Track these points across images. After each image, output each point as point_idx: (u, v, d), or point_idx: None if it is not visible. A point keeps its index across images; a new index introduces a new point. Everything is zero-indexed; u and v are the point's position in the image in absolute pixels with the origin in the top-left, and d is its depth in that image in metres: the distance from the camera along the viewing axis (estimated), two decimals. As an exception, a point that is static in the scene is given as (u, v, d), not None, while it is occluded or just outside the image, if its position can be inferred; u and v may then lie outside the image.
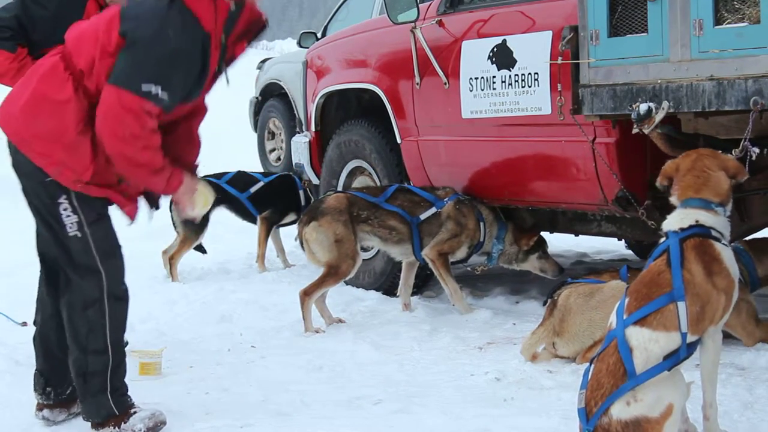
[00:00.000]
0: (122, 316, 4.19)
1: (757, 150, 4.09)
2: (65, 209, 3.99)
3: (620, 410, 3.34)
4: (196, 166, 4.38)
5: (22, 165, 4.04)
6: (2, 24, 4.78)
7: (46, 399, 4.26)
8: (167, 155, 3.97)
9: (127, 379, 4.78)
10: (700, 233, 3.58)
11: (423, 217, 6.01)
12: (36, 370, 4.30)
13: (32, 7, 4.78)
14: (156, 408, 4.18)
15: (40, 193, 4.04)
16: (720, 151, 3.84)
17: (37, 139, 3.96)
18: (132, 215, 4.20)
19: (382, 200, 6.02)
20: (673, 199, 3.73)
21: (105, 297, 4.07)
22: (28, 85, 4.02)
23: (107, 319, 4.08)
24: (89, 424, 4.15)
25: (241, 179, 7.68)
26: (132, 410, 4.12)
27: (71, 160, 3.95)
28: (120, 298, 4.17)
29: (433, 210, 6.03)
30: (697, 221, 3.61)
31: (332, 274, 5.79)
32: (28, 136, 3.97)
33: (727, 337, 4.96)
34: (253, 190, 7.63)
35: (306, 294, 5.74)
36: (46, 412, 4.26)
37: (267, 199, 7.66)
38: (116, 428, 4.09)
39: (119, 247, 4.21)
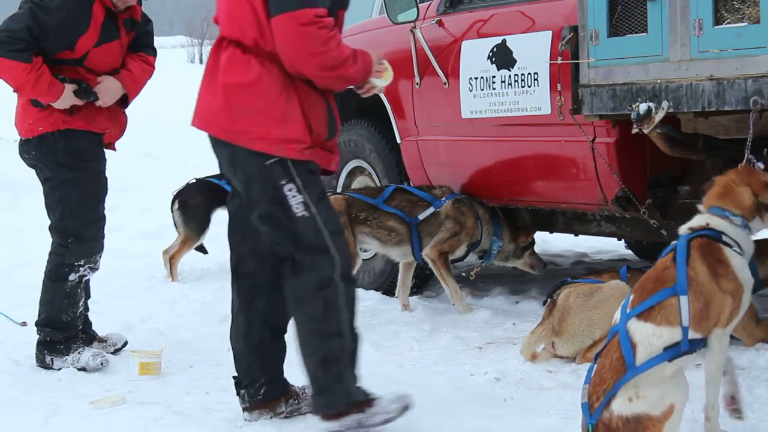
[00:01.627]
0: (353, 298, 4.04)
1: (761, 165, 4.10)
2: (290, 190, 3.92)
3: (622, 406, 3.36)
4: None
5: (237, 158, 3.97)
6: (15, 36, 4.74)
7: (242, 402, 4.21)
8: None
9: (127, 379, 4.81)
10: (708, 235, 3.62)
11: (421, 217, 6.01)
12: (234, 375, 4.26)
13: (41, 15, 4.77)
14: (400, 392, 4.06)
15: (262, 180, 3.94)
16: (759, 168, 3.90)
17: (249, 126, 3.91)
18: (336, 167, 4.18)
19: (380, 201, 6.01)
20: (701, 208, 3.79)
21: (337, 276, 3.96)
22: (214, 83, 3.98)
23: (342, 300, 3.97)
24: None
25: None
26: (373, 396, 3.98)
27: (289, 131, 3.91)
28: (350, 278, 4.05)
29: (432, 210, 6.03)
30: (708, 224, 3.66)
31: None
32: (236, 127, 3.93)
33: (727, 336, 4.98)
34: None
35: None
36: (245, 414, 4.21)
37: None
38: (363, 414, 3.92)
39: (342, 226, 4.15)
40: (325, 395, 3.98)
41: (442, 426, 4.00)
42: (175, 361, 5.10)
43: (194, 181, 7.53)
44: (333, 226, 4.01)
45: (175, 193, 7.40)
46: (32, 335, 5.16)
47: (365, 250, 6.55)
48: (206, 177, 7.65)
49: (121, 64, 5.08)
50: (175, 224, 7.35)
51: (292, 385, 4.30)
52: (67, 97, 4.86)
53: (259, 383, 4.18)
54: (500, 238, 6.14)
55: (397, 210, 6.01)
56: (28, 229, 8.49)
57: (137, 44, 5.17)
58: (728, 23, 4.19)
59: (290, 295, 4.03)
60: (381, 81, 4.14)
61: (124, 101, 5.13)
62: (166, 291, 6.78)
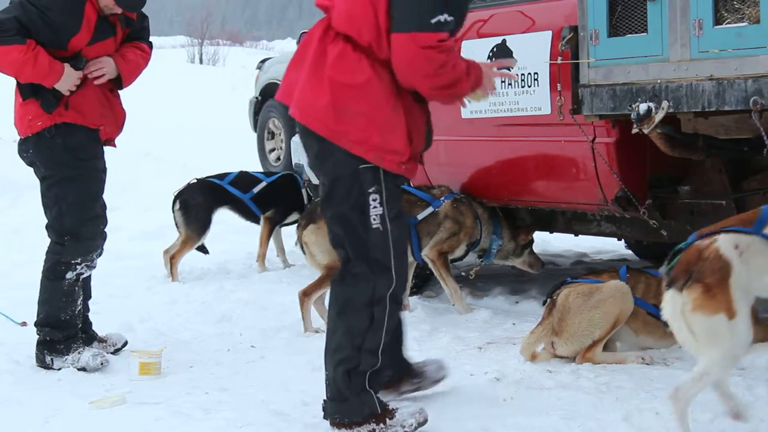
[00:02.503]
0: (395, 321, 4.06)
1: None
2: (374, 200, 3.90)
3: None
4: None
5: (330, 155, 3.91)
6: (5, 27, 4.74)
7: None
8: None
9: (127, 379, 4.81)
10: None
11: (420, 217, 6.01)
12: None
13: (32, 11, 4.77)
14: (417, 405, 4.10)
15: (350, 183, 3.90)
16: None
17: (351, 129, 3.86)
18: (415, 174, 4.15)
19: None
20: None
21: (389, 297, 3.95)
22: (320, 76, 3.90)
23: (386, 320, 3.96)
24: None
25: (244, 180, 7.67)
26: (392, 408, 4.00)
27: (390, 142, 3.88)
28: (399, 302, 4.06)
29: (430, 210, 6.02)
30: None
31: (331, 275, 5.77)
32: (340, 128, 3.87)
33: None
34: (256, 190, 7.63)
35: (305, 294, 5.74)
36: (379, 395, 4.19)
37: (270, 199, 7.66)
38: (378, 425, 3.95)
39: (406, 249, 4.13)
40: (342, 404, 3.98)
41: (442, 426, 4.00)
42: (175, 361, 5.10)
43: (195, 181, 7.54)
44: (400, 247, 4.00)
45: (176, 194, 7.41)
46: (32, 335, 5.16)
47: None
48: (207, 177, 7.66)
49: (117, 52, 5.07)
50: (176, 224, 7.36)
51: (413, 364, 4.34)
52: (69, 76, 4.85)
53: (385, 365, 4.15)
54: (500, 237, 6.14)
55: None
56: (28, 229, 8.49)
57: (132, 38, 5.16)
58: (728, 23, 4.20)
59: (337, 299, 4.02)
60: (476, 97, 4.13)
61: (119, 84, 5.10)
62: (166, 291, 6.79)
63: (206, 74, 30.34)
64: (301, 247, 5.97)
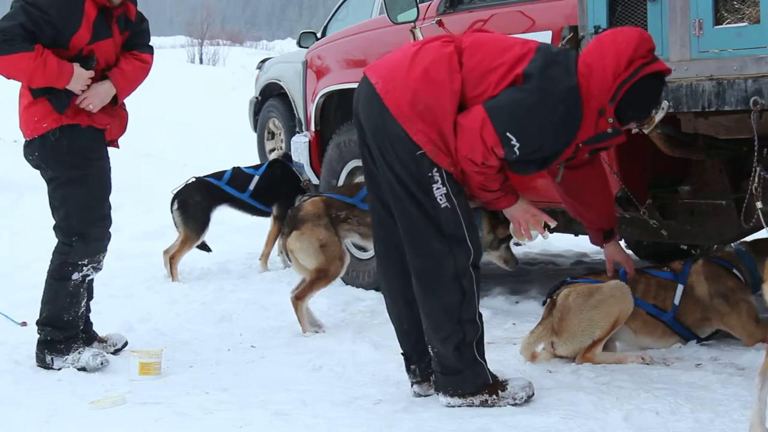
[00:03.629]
0: (479, 285, 4.23)
1: None
2: (436, 181, 4.08)
3: None
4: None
5: (394, 135, 4.09)
6: (10, 33, 4.74)
7: (413, 377, 4.39)
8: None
9: (127, 379, 4.81)
10: None
11: None
12: (401, 353, 4.44)
13: (34, 12, 4.76)
14: (526, 378, 4.30)
15: (410, 164, 4.08)
16: None
17: (418, 118, 4.04)
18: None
19: (358, 200, 6.03)
20: None
21: (471, 266, 4.14)
22: (419, 62, 4.10)
23: (477, 287, 4.17)
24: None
25: (239, 177, 7.68)
26: (503, 380, 4.21)
27: (445, 147, 4.05)
28: (479, 267, 4.22)
29: None
30: None
31: (322, 277, 5.79)
32: (411, 113, 4.05)
33: (727, 337, 4.98)
34: (252, 186, 7.63)
35: (298, 298, 5.75)
36: (416, 387, 4.40)
37: (268, 191, 7.67)
38: (491, 396, 4.17)
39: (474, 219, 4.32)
40: (457, 378, 4.19)
41: (442, 426, 4.00)
42: (175, 361, 5.10)
43: (193, 180, 7.54)
44: (469, 218, 4.17)
45: (174, 193, 7.41)
46: (32, 335, 5.16)
47: (365, 249, 6.55)
48: (205, 176, 7.66)
49: (115, 63, 5.07)
50: (174, 224, 7.36)
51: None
52: (79, 75, 4.87)
53: (428, 357, 4.32)
54: (479, 228, 6.14)
55: None
56: (29, 229, 8.50)
57: (131, 43, 5.14)
58: (728, 23, 4.20)
59: (423, 283, 4.17)
60: (521, 234, 4.38)
61: (114, 100, 5.10)
62: (166, 291, 6.79)
63: (206, 74, 30.32)
64: (287, 254, 5.97)
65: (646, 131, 4.44)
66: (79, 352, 5.03)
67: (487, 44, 4.15)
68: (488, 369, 4.22)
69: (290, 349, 5.34)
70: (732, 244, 5.21)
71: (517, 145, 4.00)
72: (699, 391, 4.29)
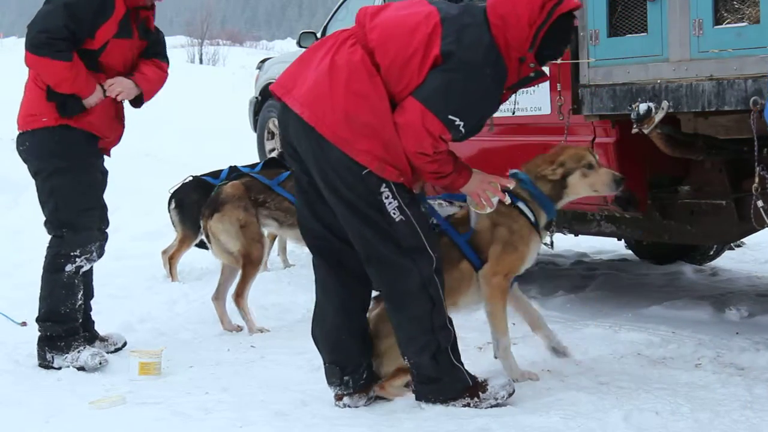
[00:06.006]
0: (444, 289, 4.18)
1: None
2: (387, 197, 4.04)
3: None
4: None
5: (335, 161, 4.01)
6: (55, 37, 4.82)
7: (345, 389, 4.30)
8: None
9: (127, 379, 4.81)
10: None
11: None
12: (327, 364, 4.33)
13: (75, 9, 4.85)
14: (506, 377, 4.30)
15: (357, 186, 4.01)
16: None
17: (359, 137, 3.97)
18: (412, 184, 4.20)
19: (275, 184, 6.04)
20: None
21: (435, 272, 4.10)
22: (337, 79, 4.00)
23: (442, 292, 4.13)
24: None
25: (236, 176, 7.66)
26: (483, 380, 4.20)
27: (392, 157, 4.01)
28: (441, 271, 4.17)
29: None
30: None
31: (247, 263, 5.81)
32: (349, 134, 3.98)
33: (728, 336, 4.98)
34: None
35: (239, 296, 5.79)
36: (346, 399, 4.31)
37: None
38: (473, 399, 4.15)
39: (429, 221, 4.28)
40: (436, 386, 4.16)
41: (442, 425, 4.00)
42: (175, 361, 5.10)
43: (190, 179, 7.53)
44: (425, 224, 4.14)
45: (171, 193, 7.41)
46: (32, 335, 5.16)
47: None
48: (202, 175, 7.65)
49: (135, 67, 5.15)
50: (172, 223, 7.36)
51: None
52: (99, 92, 4.98)
53: (362, 368, 4.29)
54: None
55: (290, 194, 5.97)
56: (28, 229, 8.49)
57: (152, 51, 5.25)
58: (728, 23, 4.20)
59: (391, 299, 4.14)
60: (481, 205, 4.28)
61: (138, 101, 5.20)
62: (166, 291, 6.79)
63: (206, 74, 30.29)
64: (208, 239, 5.98)
65: (646, 131, 4.44)
66: (79, 351, 5.03)
67: (393, 35, 4.03)
68: (466, 371, 4.19)
69: (290, 349, 5.34)
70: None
71: (462, 123, 3.97)
72: (699, 391, 4.29)
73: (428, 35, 3.98)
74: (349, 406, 4.30)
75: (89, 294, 5.30)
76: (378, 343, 4.38)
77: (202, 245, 7.47)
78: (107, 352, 5.19)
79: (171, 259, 7.21)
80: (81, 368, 4.99)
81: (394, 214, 4.02)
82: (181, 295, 6.64)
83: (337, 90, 3.99)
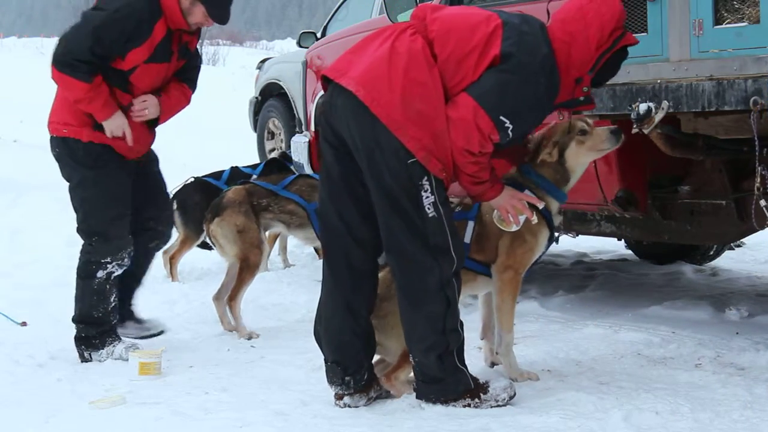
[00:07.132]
0: (460, 292, 4.20)
1: None
2: (426, 190, 4.02)
3: None
4: None
5: (385, 143, 3.98)
6: (79, 59, 4.86)
7: (346, 388, 4.29)
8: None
9: (127, 379, 4.81)
10: None
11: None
12: (329, 363, 4.31)
13: (103, 33, 4.87)
14: (507, 379, 4.32)
15: (400, 174, 4.00)
16: None
17: (410, 123, 3.96)
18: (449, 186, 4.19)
19: (280, 188, 6.07)
20: None
21: (454, 275, 4.11)
22: (396, 63, 4.00)
23: (458, 296, 4.14)
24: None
25: (237, 177, 7.67)
26: (484, 382, 4.21)
27: (438, 150, 4.00)
28: (459, 275, 4.18)
29: None
30: None
31: (244, 267, 5.83)
32: (402, 118, 3.97)
33: (728, 336, 4.98)
34: None
35: (232, 299, 5.80)
36: (347, 399, 4.30)
37: None
38: (474, 400, 4.15)
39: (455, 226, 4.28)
40: (438, 386, 4.16)
41: (442, 425, 4.00)
42: (175, 361, 5.10)
43: (192, 180, 7.54)
44: (453, 226, 4.13)
45: (173, 194, 7.40)
46: (32, 335, 5.18)
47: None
48: (204, 176, 7.66)
49: (163, 87, 5.18)
50: (174, 224, 7.35)
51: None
52: (118, 119, 5.01)
53: (364, 369, 4.29)
54: None
55: (295, 195, 6.08)
56: (28, 229, 8.50)
57: (183, 76, 5.28)
58: (728, 23, 4.20)
59: (407, 294, 4.12)
60: (507, 222, 4.27)
61: (153, 122, 5.24)
62: (166, 291, 6.79)
63: (206, 74, 30.28)
64: (212, 242, 6.03)
65: (646, 131, 4.44)
66: (114, 345, 5.16)
67: (454, 29, 4.06)
68: (469, 373, 4.19)
69: (290, 349, 5.34)
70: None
71: (511, 126, 3.98)
72: (699, 391, 4.29)
73: (488, 34, 4.01)
74: (349, 406, 4.29)
75: (137, 283, 5.52)
76: (381, 304, 4.38)
77: (204, 246, 7.49)
78: (138, 337, 5.30)
79: (172, 259, 7.21)
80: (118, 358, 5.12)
81: (428, 209, 4.02)
82: (181, 295, 6.65)
83: (395, 74, 3.99)
